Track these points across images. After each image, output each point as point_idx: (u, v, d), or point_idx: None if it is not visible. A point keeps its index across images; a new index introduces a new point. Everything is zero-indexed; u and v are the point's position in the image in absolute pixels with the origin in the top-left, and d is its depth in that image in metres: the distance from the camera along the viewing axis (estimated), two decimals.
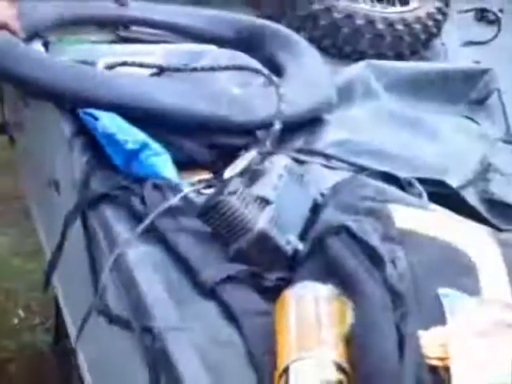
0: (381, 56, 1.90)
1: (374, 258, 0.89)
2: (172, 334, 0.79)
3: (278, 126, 1.13)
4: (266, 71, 1.30)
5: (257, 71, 1.32)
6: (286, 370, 0.73)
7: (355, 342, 0.77)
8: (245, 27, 1.72)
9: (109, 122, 1.03)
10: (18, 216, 2.59)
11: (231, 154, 1.19)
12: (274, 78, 1.27)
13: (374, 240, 0.91)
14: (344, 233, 0.92)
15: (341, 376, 0.72)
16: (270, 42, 1.65)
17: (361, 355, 0.75)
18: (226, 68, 1.32)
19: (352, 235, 0.92)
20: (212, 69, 1.30)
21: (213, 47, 1.65)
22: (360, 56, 1.88)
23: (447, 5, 2.08)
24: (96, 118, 1.04)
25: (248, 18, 1.79)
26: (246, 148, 1.18)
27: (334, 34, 1.91)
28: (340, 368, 0.73)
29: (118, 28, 1.74)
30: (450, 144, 1.56)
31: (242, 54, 1.57)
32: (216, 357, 0.79)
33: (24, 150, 1.87)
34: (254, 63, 1.44)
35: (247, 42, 1.68)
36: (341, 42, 1.91)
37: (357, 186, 1.05)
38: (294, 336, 0.78)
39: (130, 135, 1.03)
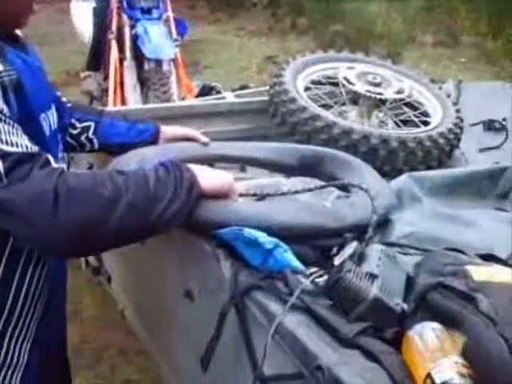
0: (414, 169, 2.17)
1: (467, 300, 1.20)
2: (337, 367, 1.09)
3: (375, 218, 1.48)
4: (363, 186, 1.63)
5: (354, 186, 1.67)
6: (428, 376, 1.04)
7: (470, 354, 1.07)
8: (305, 155, 2.03)
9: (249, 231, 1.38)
10: None
11: (326, 253, 1.55)
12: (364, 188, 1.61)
13: (463, 288, 1.23)
14: (440, 288, 1.25)
15: (469, 371, 1.02)
16: (329, 165, 1.97)
17: (478, 361, 1.05)
18: (323, 187, 1.67)
19: (446, 287, 1.24)
20: (310, 190, 1.65)
21: (281, 178, 2.01)
22: (398, 173, 2.14)
23: (462, 120, 2.49)
24: (240, 229, 1.39)
25: (307, 147, 2.10)
26: (339, 247, 1.52)
27: (373, 156, 2.19)
28: (465, 367, 1.03)
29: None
30: (489, 230, 1.82)
31: (309, 179, 1.93)
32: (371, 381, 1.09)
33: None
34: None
35: (309, 167, 2.00)
36: (379, 163, 2.19)
37: (438, 257, 1.38)
38: (425, 356, 1.09)
39: (265, 238, 1.37)
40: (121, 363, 3.15)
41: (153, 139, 2.00)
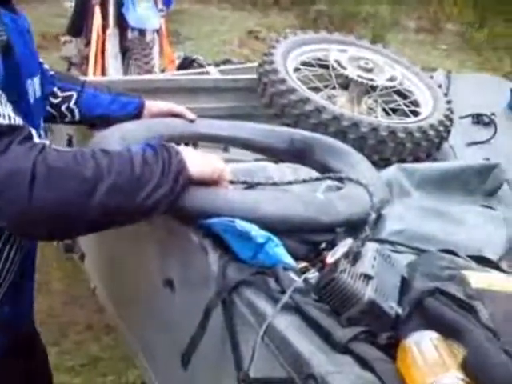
0: (402, 161, 2.14)
1: (465, 309, 1.15)
2: (331, 376, 1.03)
3: (373, 216, 1.41)
4: (362, 181, 1.57)
5: (352, 180, 1.60)
6: None
7: (471, 368, 1.02)
8: (296, 139, 1.95)
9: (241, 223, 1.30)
10: None
11: (316, 248, 1.48)
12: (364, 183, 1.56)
13: (461, 295, 1.18)
14: (437, 293, 1.19)
15: None
16: (320, 152, 1.89)
17: (480, 376, 1.00)
18: (318, 179, 1.60)
19: (444, 293, 1.18)
20: (304, 181, 1.57)
21: (269, 164, 1.94)
22: (385, 163, 2.14)
23: (452, 112, 2.43)
24: (232, 221, 1.31)
25: (298, 131, 2.01)
26: (331, 243, 1.46)
27: (362, 145, 2.14)
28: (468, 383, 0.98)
29: (187, 145, 1.95)
30: (477, 229, 1.79)
31: (300, 166, 1.86)
32: None
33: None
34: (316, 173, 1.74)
35: (299, 153, 1.93)
36: (368, 152, 2.12)
37: (434, 259, 1.33)
38: (424, 369, 1.03)
39: (257, 231, 1.29)
40: (87, 340, 3.09)
41: (137, 113, 1.91)
